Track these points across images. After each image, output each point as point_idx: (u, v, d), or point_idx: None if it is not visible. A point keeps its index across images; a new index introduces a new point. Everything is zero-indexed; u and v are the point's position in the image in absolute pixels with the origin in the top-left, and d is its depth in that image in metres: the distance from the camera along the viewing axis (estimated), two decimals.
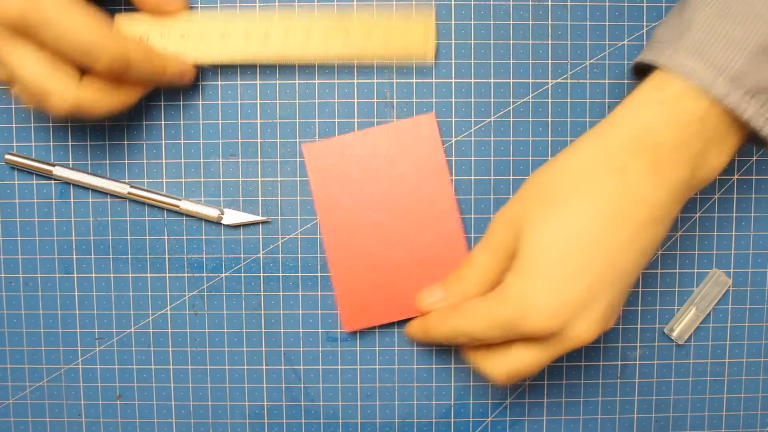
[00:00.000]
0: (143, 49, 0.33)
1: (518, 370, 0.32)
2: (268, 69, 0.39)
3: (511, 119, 0.39)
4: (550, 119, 0.39)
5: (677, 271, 0.40)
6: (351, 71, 0.39)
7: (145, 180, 0.39)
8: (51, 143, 0.39)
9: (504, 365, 0.33)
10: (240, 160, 0.39)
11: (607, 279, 0.30)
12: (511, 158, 0.39)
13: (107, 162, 0.39)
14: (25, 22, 0.29)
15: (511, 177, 0.39)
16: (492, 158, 0.39)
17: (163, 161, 0.39)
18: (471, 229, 0.39)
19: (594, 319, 0.31)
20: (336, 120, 0.39)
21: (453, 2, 0.38)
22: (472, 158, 0.39)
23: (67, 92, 0.32)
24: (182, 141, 0.39)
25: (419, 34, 0.37)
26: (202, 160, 0.39)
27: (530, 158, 0.39)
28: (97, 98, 0.33)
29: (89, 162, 0.39)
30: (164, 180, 0.39)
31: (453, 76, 0.39)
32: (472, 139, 0.39)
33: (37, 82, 0.31)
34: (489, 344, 0.33)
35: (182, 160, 0.39)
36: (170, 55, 0.35)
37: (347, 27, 0.37)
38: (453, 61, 0.39)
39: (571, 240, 0.30)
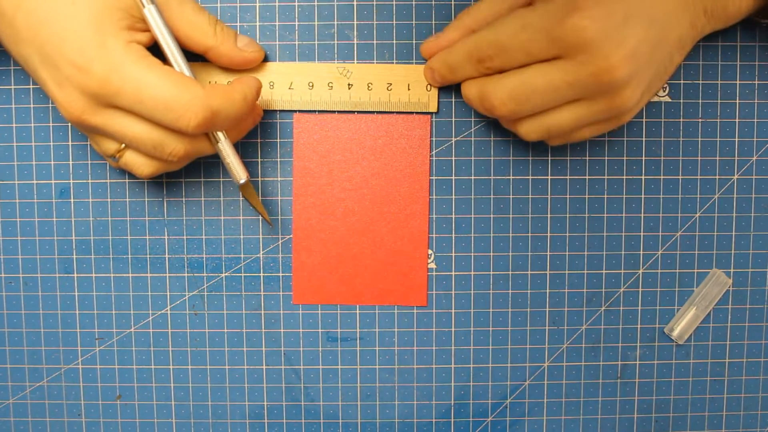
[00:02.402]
0: (222, 91, 0.32)
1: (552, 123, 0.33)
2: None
3: None
4: None
5: (677, 271, 0.40)
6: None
7: (145, 180, 0.39)
8: (51, 143, 0.39)
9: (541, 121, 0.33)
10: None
11: (650, 38, 0.31)
12: (510, 158, 0.39)
13: (107, 162, 0.39)
14: (107, 86, 0.30)
15: (511, 177, 0.39)
16: (492, 158, 0.39)
17: None
18: (471, 229, 0.39)
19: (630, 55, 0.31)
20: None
21: (453, 3, 0.38)
22: (472, 158, 0.39)
23: (179, 135, 0.32)
24: None
25: (422, 84, 0.38)
26: (202, 160, 0.39)
27: (530, 158, 0.39)
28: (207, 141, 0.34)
29: (89, 162, 0.39)
30: (164, 180, 0.39)
31: None
32: (472, 139, 0.39)
33: (147, 134, 0.31)
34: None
35: None
36: (243, 87, 0.33)
37: (349, 79, 0.38)
38: None
39: None
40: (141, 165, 0.33)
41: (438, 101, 0.38)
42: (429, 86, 0.38)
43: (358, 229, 0.39)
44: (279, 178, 0.39)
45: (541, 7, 0.31)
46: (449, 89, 0.39)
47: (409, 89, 0.38)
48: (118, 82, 0.30)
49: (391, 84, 0.38)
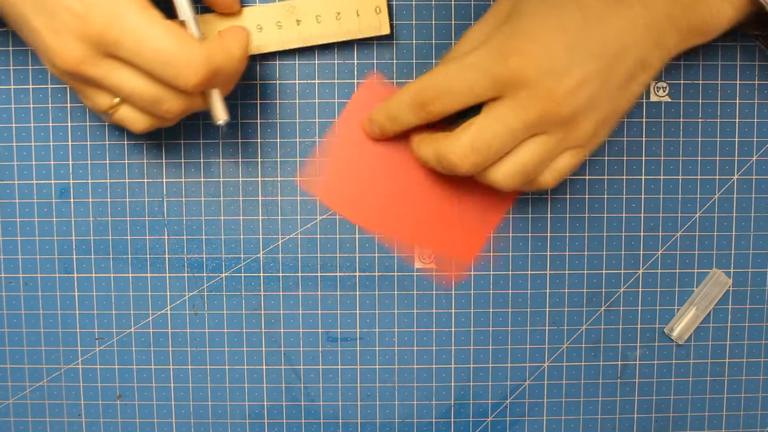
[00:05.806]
0: (223, 49, 0.31)
1: (520, 163, 0.32)
2: (268, 69, 0.39)
3: None
4: None
5: (677, 271, 0.40)
6: (351, 71, 0.39)
7: (145, 180, 0.39)
8: (51, 143, 0.39)
9: (509, 163, 0.32)
10: (240, 160, 0.39)
11: (597, 69, 0.30)
12: None
13: (107, 162, 0.39)
14: (107, 35, 0.29)
15: None
16: None
17: (163, 161, 0.39)
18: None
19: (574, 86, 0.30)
20: (336, 120, 0.39)
21: (453, 2, 0.38)
22: None
23: (178, 92, 0.31)
24: (182, 141, 0.39)
25: (371, 8, 0.37)
26: (202, 160, 0.39)
27: None
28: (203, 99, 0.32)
29: (89, 162, 0.39)
30: (164, 180, 0.39)
31: None
32: None
33: (145, 89, 0.30)
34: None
35: (182, 160, 0.39)
36: (239, 41, 0.32)
37: (297, 15, 0.36)
38: None
39: (565, 22, 0.30)
40: (136, 120, 0.32)
41: (390, 23, 0.37)
42: (378, 8, 0.37)
43: (393, 172, 0.39)
44: (279, 178, 0.39)
45: (482, 46, 0.31)
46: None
47: (358, 15, 0.37)
48: (118, 32, 0.29)
49: (339, 13, 0.37)
